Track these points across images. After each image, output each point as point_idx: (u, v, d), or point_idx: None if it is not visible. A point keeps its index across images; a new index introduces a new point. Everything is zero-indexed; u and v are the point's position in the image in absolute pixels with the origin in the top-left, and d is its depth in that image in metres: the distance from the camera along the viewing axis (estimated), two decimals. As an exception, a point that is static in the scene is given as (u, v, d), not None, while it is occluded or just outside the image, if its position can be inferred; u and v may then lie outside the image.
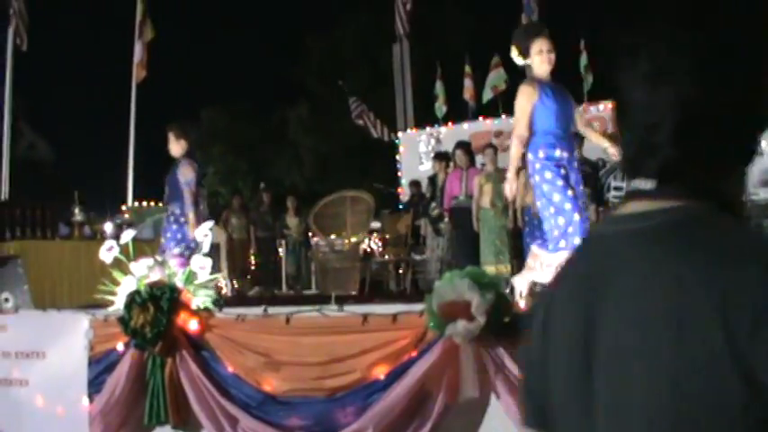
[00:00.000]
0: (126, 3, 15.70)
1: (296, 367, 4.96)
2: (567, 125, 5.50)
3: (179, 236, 7.69)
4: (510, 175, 5.55)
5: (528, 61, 5.56)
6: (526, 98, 5.47)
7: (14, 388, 6.38)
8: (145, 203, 15.55)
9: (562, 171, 5.35)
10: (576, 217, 5.27)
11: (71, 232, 11.06)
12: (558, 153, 5.39)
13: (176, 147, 8.08)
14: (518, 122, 5.57)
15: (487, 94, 15.95)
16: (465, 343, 4.22)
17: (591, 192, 9.86)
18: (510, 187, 5.52)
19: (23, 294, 7.42)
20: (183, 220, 7.74)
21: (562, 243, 5.28)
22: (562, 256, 5.15)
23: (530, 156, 5.46)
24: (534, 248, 5.60)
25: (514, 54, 5.65)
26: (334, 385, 4.75)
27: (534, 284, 5.26)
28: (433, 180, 11.73)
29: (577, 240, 5.21)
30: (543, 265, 5.34)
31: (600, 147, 6.11)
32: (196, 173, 7.99)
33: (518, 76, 15.43)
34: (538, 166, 5.41)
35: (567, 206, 5.28)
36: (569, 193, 5.30)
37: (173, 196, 7.92)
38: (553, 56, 5.52)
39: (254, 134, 28.88)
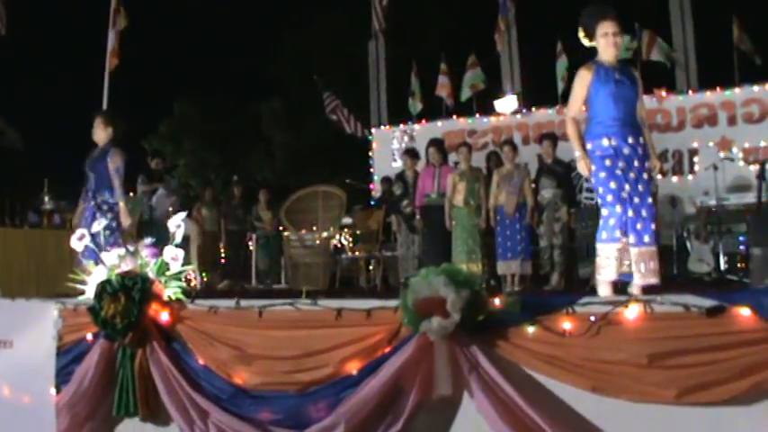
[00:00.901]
0: (99, -11, 15.56)
1: (268, 361, 4.92)
2: (627, 111, 5.44)
3: (114, 224, 7.72)
4: (578, 153, 5.51)
5: (594, 43, 5.56)
6: (580, 81, 5.53)
7: (-20, 377, 6.29)
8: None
9: (607, 162, 5.35)
10: (618, 209, 5.32)
11: (40, 220, 10.97)
12: (605, 142, 5.38)
13: (103, 134, 8.08)
14: (571, 105, 5.65)
15: (465, 93, 15.97)
16: (439, 340, 4.22)
17: (563, 193, 9.91)
18: (584, 164, 5.45)
19: (-9, 282, 7.34)
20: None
21: (604, 234, 5.37)
22: (606, 248, 5.33)
23: (588, 145, 5.50)
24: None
25: (581, 35, 5.63)
26: (307, 379, 4.72)
27: (614, 283, 5.29)
28: (401, 176, 11.67)
29: (618, 233, 5.30)
30: (601, 257, 5.38)
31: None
32: (124, 161, 8.03)
33: (494, 76, 15.55)
34: (590, 158, 5.48)
35: (609, 198, 5.35)
36: (612, 185, 5.32)
37: (101, 185, 7.90)
38: (619, 39, 5.49)
39: (227, 128, 28.72)
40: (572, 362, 4.03)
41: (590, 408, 4.04)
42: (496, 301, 4.30)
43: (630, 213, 5.28)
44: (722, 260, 10.54)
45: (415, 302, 4.26)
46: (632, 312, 3.99)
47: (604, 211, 5.40)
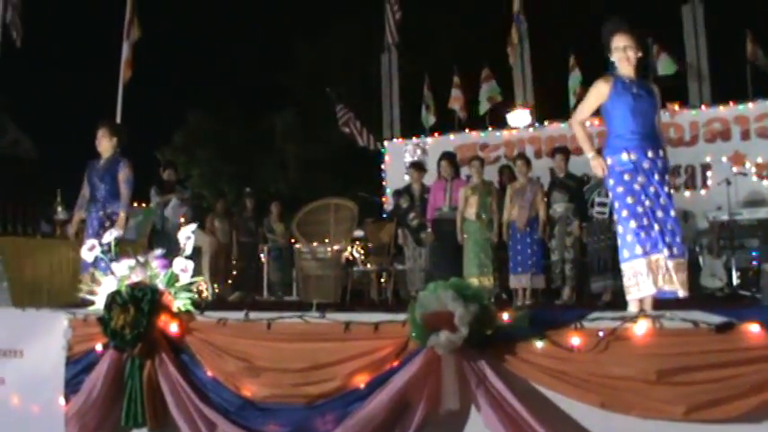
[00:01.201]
0: (114, 1, 15.66)
1: (276, 373, 4.92)
2: (645, 124, 5.42)
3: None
4: (590, 154, 5.55)
5: (612, 57, 5.57)
6: (595, 93, 5.55)
7: (-10, 386, 6.32)
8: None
9: (626, 177, 5.35)
10: (633, 225, 5.28)
11: (53, 230, 11.01)
12: (624, 157, 5.37)
13: (108, 144, 8.12)
14: (579, 110, 5.71)
15: (484, 106, 15.94)
16: (447, 354, 4.21)
17: (575, 207, 9.88)
18: (597, 164, 5.48)
19: (2, 291, 7.38)
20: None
21: (625, 253, 5.33)
22: (630, 266, 5.29)
23: (607, 160, 5.51)
24: None
25: (606, 50, 5.66)
26: (314, 392, 4.71)
27: (640, 301, 5.25)
28: (408, 190, 11.65)
29: (639, 249, 5.25)
30: (627, 276, 5.33)
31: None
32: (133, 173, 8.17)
33: (506, 90, 15.54)
34: (608, 173, 5.49)
35: (624, 213, 5.33)
36: (629, 200, 5.31)
37: (111, 196, 7.95)
38: (632, 53, 5.48)
39: (241, 139, 28.79)
40: (580, 377, 4.01)
41: (598, 424, 4.02)
42: (504, 316, 4.28)
43: (657, 227, 5.24)
44: (735, 275, 10.48)
45: (423, 316, 4.26)
46: (641, 328, 3.97)
47: (620, 229, 5.37)
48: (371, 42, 19.02)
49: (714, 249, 10.85)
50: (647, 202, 5.29)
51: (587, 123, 5.83)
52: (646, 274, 5.21)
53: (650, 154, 5.37)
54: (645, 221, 5.26)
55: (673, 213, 5.33)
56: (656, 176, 5.35)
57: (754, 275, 10.45)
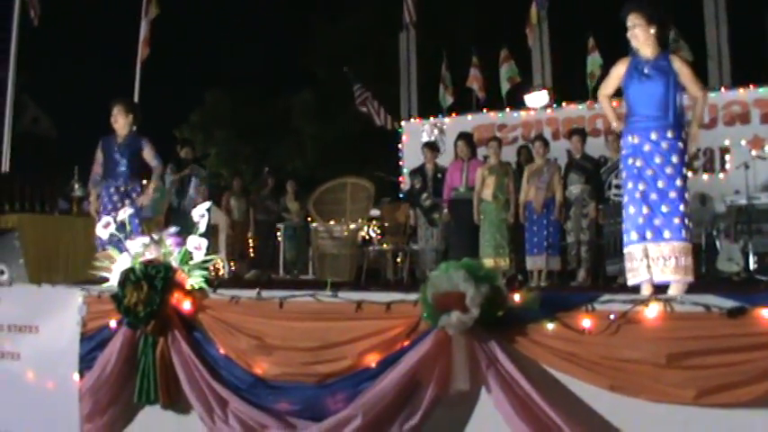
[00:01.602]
0: (132, -22, 15.69)
1: (287, 352, 4.93)
2: (652, 106, 5.44)
3: (142, 213, 7.94)
4: (614, 123, 5.85)
5: None
6: (614, 71, 5.75)
7: (6, 361, 6.36)
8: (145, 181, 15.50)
9: (629, 161, 5.46)
10: (631, 210, 5.40)
11: (70, 208, 11.07)
12: (630, 139, 5.49)
13: (124, 121, 8.20)
14: (603, 85, 5.93)
15: (505, 87, 15.87)
16: (458, 335, 4.20)
17: (591, 189, 9.85)
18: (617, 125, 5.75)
19: (19, 268, 7.42)
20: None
21: (624, 238, 5.49)
22: (628, 251, 5.44)
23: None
24: None
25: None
26: (325, 371, 4.71)
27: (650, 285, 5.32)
28: (421, 170, 11.62)
29: (634, 236, 5.32)
30: (626, 261, 5.48)
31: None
32: None
33: (525, 70, 15.46)
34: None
35: (625, 199, 5.50)
36: (629, 185, 5.45)
37: (131, 173, 8.05)
38: (639, 30, 5.53)
39: (258, 119, 28.84)
40: (590, 360, 4.00)
41: (607, 406, 4.00)
42: (516, 297, 4.27)
43: (645, 210, 5.26)
44: (752, 260, 10.43)
45: (435, 297, 4.25)
46: (652, 311, 3.94)
47: (623, 214, 5.52)
48: (390, 21, 18.98)
49: (731, 233, 10.80)
50: (642, 186, 5.33)
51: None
52: (640, 259, 5.25)
53: (653, 136, 5.36)
54: (640, 207, 5.30)
55: (672, 195, 5.29)
56: (657, 159, 5.35)
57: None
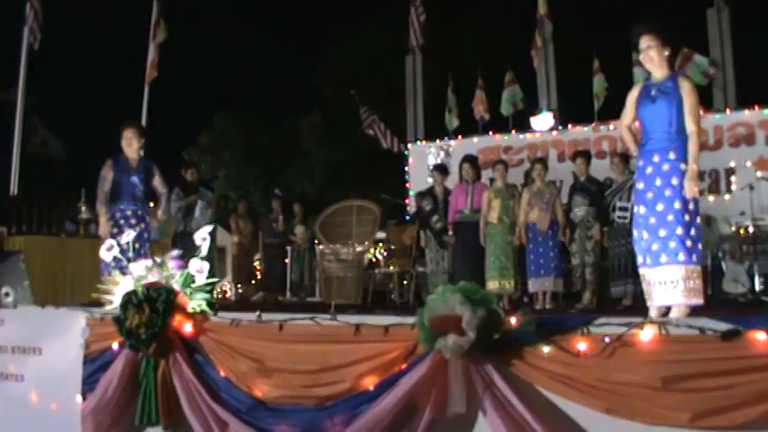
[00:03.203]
0: (140, 2, 15.84)
1: (287, 374, 4.96)
2: (658, 128, 5.41)
3: (145, 235, 7.98)
4: (634, 153, 5.74)
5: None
6: (629, 98, 5.70)
7: (10, 382, 6.42)
8: (152, 204, 15.58)
9: (636, 185, 5.48)
10: (635, 234, 5.43)
11: (77, 230, 11.13)
12: (639, 163, 5.50)
13: (137, 144, 8.17)
14: (622, 116, 5.81)
15: (508, 109, 15.89)
16: (454, 358, 4.22)
17: (596, 211, 9.85)
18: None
19: (24, 290, 7.47)
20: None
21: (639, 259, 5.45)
22: (641, 276, 5.40)
23: None
24: None
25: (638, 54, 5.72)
26: (324, 394, 4.75)
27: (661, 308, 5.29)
28: (431, 192, 11.63)
29: (640, 259, 5.35)
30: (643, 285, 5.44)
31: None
32: None
33: (530, 93, 15.49)
34: None
35: (633, 224, 5.50)
36: (635, 209, 5.48)
37: (136, 196, 8.08)
38: (654, 53, 5.47)
39: (267, 141, 28.94)
40: (586, 382, 4.02)
41: (603, 429, 4.02)
42: (512, 320, 4.29)
43: (645, 235, 5.26)
44: (757, 281, 10.42)
45: (431, 320, 4.28)
46: (647, 334, 3.97)
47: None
48: (396, 45, 19.07)
49: (737, 255, 10.79)
50: (642, 210, 5.35)
51: (611, 127, 5.91)
52: (648, 283, 5.28)
53: (656, 158, 5.35)
54: (641, 231, 5.35)
55: (670, 218, 5.22)
56: (658, 181, 5.31)
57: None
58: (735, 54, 13.75)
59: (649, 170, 5.36)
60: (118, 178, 8.07)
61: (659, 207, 5.26)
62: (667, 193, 5.28)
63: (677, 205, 5.25)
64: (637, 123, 5.72)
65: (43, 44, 14.78)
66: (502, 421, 4.08)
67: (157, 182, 8.30)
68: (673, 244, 5.18)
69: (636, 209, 5.46)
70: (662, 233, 5.21)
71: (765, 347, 3.73)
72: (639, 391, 3.90)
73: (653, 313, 5.23)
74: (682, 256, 5.16)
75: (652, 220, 5.26)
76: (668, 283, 5.17)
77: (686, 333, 3.93)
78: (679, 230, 5.18)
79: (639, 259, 5.38)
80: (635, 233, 5.41)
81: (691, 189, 5.22)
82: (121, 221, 7.96)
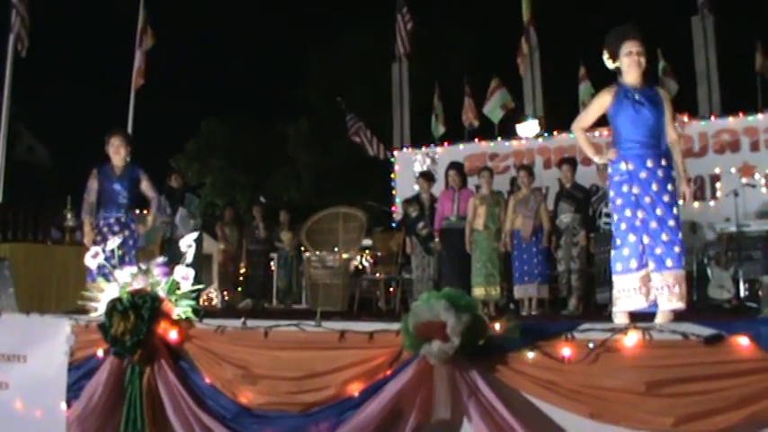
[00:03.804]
0: (126, 9, 15.82)
1: (272, 381, 4.96)
2: (647, 133, 5.38)
3: (131, 242, 7.99)
4: (593, 156, 5.64)
5: (617, 64, 5.53)
6: (598, 102, 5.57)
7: (-5, 390, 6.39)
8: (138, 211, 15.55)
9: (624, 188, 5.34)
10: (631, 238, 5.27)
11: (63, 237, 11.09)
12: (623, 166, 5.36)
13: (124, 152, 8.19)
14: (581, 118, 5.73)
15: (498, 114, 15.91)
16: (439, 364, 4.23)
17: (582, 218, 9.89)
18: (611, 152, 5.49)
19: (9, 297, 7.45)
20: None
21: (618, 266, 5.32)
22: (622, 280, 5.28)
23: (609, 169, 5.55)
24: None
25: (605, 58, 5.62)
26: (309, 400, 4.75)
27: (629, 314, 5.23)
28: (417, 199, 11.65)
29: (634, 264, 5.23)
30: (618, 290, 5.34)
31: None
32: None
33: (516, 100, 15.55)
34: (609, 183, 5.52)
35: (623, 227, 5.32)
36: (627, 212, 5.30)
37: (122, 203, 8.06)
38: (643, 59, 5.45)
39: (253, 148, 28.93)
40: (570, 388, 4.03)
41: (588, 434, 4.04)
42: (496, 326, 4.31)
43: (646, 240, 5.21)
44: (742, 287, 10.45)
45: (416, 326, 4.29)
46: (631, 340, 3.99)
47: (618, 241, 5.35)
48: (383, 52, 19.09)
49: (722, 261, 10.82)
50: (641, 214, 5.26)
51: (596, 134, 5.84)
52: (638, 288, 5.20)
53: (649, 164, 5.32)
54: (640, 235, 5.25)
55: (671, 223, 5.24)
56: (654, 187, 5.29)
57: (761, 287, 10.43)
58: (719, 61, 13.82)
59: (644, 175, 5.31)
60: (102, 186, 8.12)
61: (659, 212, 5.24)
62: (666, 198, 5.28)
63: (675, 211, 5.30)
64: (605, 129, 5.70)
65: (29, 51, 14.74)
66: (486, 427, 4.09)
67: (146, 187, 8.26)
68: (677, 249, 5.20)
69: (628, 212, 5.31)
70: (665, 238, 5.21)
71: (748, 352, 3.76)
72: (623, 396, 3.92)
73: (622, 319, 5.20)
74: (683, 261, 5.21)
75: (653, 225, 5.23)
76: (674, 287, 5.16)
77: (670, 338, 3.95)
78: (680, 236, 5.23)
79: (634, 263, 5.25)
80: (631, 237, 5.28)
81: (690, 194, 5.29)
82: (105, 229, 7.98)
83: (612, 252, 5.42)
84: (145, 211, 8.73)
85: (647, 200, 5.29)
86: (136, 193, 8.25)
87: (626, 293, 5.28)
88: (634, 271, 5.25)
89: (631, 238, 5.28)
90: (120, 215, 8.03)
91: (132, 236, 8.03)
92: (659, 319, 5.10)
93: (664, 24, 15.36)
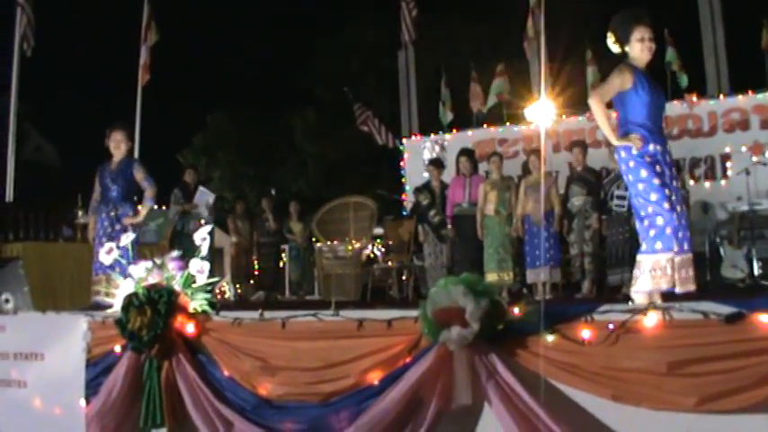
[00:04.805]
0: (131, 6, 15.79)
1: (291, 372, 4.96)
2: (659, 119, 5.35)
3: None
4: (612, 138, 5.38)
5: (626, 49, 5.39)
6: (619, 80, 5.29)
7: (13, 389, 6.39)
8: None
9: (657, 168, 5.20)
10: (675, 216, 5.13)
11: (74, 235, 11.11)
12: (651, 147, 5.22)
13: (124, 147, 8.23)
14: (603, 93, 5.39)
15: (491, 100, 15.85)
16: (458, 350, 4.22)
17: (593, 201, 9.86)
18: (634, 138, 5.25)
19: (24, 296, 7.44)
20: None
21: (658, 244, 5.13)
22: (660, 258, 5.10)
23: (622, 153, 5.32)
24: (637, 257, 5.29)
25: (610, 41, 5.47)
26: (329, 390, 4.74)
27: (651, 294, 5.10)
28: (427, 186, 11.65)
29: (674, 242, 5.10)
30: (645, 270, 5.15)
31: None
32: None
33: (523, 84, 15.49)
34: (632, 164, 5.26)
35: (666, 205, 5.13)
36: (666, 191, 5.15)
37: (124, 198, 8.07)
38: (654, 45, 5.37)
39: (261, 140, 28.93)
40: (591, 370, 4.02)
41: (610, 416, 4.02)
42: (515, 310, 4.29)
43: (677, 221, 5.15)
44: (756, 265, 10.41)
45: (435, 312, 4.28)
46: (651, 320, 3.96)
47: (659, 220, 5.14)
48: (389, 40, 19.02)
49: (734, 240, 10.79)
50: (673, 196, 5.19)
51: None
52: (668, 268, 5.09)
53: (667, 146, 5.34)
54: (677, 216, 5.17)
55: (685, 207, 5.28)
56: (671, 170, 5.31)
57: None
58: (727, 39, 13.72)
59: (668, 159, 5.30)
60: (100, 184, 8.20)
61: (679, 195, 5.25)
62: (677, 183, 5.30)
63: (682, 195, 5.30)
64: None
65: (35, 51, 14.72)
66: (508, 411, 4.08)
67: (140, 178, 8.17)
68: (689, 234, 5.19)
69: (665, 191, 5.15)
70: (684, 221, 5.20)
71: (769, 330, 3.73)
72: (645, 378, 3.90)
73: (641, 300, 5.11)
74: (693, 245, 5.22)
75: (679, 208, 5.19)
76: (689, 270, 5.14)
77: (690, 318, 3.93)
78: (689, 221, 5.22)
79: (674, 243, 5.11)
80: (674, 216, 5.12)
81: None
82: (98, 225, 8.08)
83: (652, 231, 5.18)
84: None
85: (674, 183, 5.27)
86: (132, 187, 8.22)
87: (658, 273, 5.12)
88: (671, 250, 5.11)
89: (674, 216, 5.14)
90: (110, 209, 8.07)
91: (123, 229, 7.98)
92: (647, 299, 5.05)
93: (671, 3, 15.25)
